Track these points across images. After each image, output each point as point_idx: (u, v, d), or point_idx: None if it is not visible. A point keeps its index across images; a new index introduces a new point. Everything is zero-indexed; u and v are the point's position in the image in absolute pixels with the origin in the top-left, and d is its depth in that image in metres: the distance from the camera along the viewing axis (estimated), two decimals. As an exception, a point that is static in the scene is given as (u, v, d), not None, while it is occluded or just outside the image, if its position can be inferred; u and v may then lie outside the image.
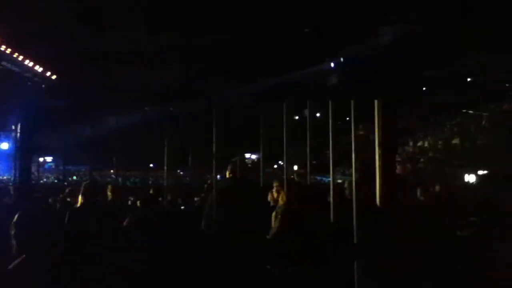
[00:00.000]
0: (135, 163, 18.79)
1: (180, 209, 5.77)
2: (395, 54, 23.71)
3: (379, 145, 3.06)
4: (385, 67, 23.03)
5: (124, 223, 4.64)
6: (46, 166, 35.88)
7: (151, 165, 19.56)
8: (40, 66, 22.11)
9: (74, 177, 22.37)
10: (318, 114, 14.28)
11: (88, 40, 24.23)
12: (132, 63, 25.82)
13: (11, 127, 23.71)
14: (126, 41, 24.89)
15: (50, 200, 7.02)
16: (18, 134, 22.93)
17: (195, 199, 6.44)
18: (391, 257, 3.04)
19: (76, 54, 24.43)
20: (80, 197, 4.32)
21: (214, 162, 3.35)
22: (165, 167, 3.56)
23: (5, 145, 21.82)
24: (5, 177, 17.59)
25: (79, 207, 4.36)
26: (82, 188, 4.37)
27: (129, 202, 6.37)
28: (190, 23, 24.59)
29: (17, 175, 16.34)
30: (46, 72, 22.80)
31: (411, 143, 18.77)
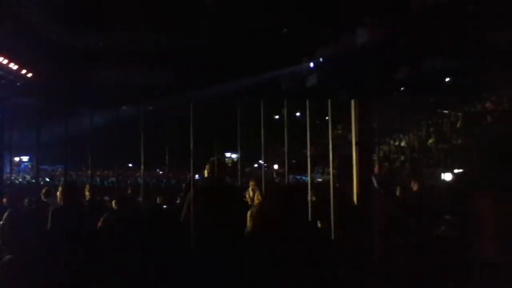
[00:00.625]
0: (113, 162, 18.53)
1: (161, 208, 5.72)
2: (371, 54, 24.03)
3: (356, 145, 3.09)
4: (362, 67, 23.32)
5: (99, 223, 4.59)
6: (22, 166, 35.09)
7: (129, 164, 19.34)
8: (16, 64, 21.65)
9: (47, 179, 21.92)
10: (297, 114, 14.35)
11: (64, 38, 23.83)
12: (109, 61, 25.50)
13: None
14: (103, 39, 24.55)
15: (26, 200, 6.88)
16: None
17: (177, 199, 6.38)
18: (368, 254, 3.08)
19: (52, 52, 23.99)
20: (59, 197, 4.28)
21: (191, 161, 3.32)
22: (142, 167, 3.51)
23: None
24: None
25: (60, 206, 4.32)
26: (60, 188, 4.34)
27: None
28: (168, 20, 24.42)
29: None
30: (21, 70, 22.33)
31: (389, 142, 19.03)
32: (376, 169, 6.35)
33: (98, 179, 18.69)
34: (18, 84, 22.98)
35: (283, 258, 2.79)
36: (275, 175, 19.75)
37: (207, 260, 3.21)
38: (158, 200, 6.78)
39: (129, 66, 25.90)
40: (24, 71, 23.16)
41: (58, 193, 4.53)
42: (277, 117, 16.25)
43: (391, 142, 19.65)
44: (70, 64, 25.58)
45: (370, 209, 3.09)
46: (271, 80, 29.26)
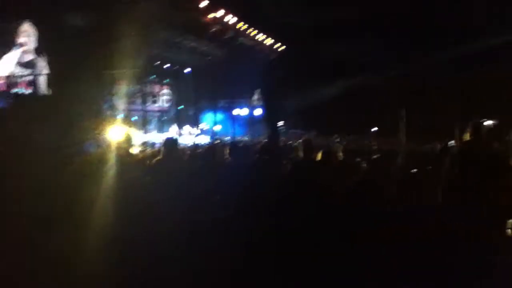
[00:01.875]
0: (356, 128, 19.07)
1: (413, 174, 5.60)
2: None
3: None
4: None
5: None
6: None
7: (373, 129, 19.49)
8: (272, 38, 24.13)
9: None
10: None
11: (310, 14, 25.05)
12: (342, 34, 25.56)
13: (247, 96, 26.84)
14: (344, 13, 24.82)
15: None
16: (254, 102, 25.84)
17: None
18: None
19: (300, 26, 25.58)
20: (301, 152, 4.85)
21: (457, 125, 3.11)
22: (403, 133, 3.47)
23: (244, 111, 24.86)
24: (243, 138, 20.12)
25: (302, 160, 4.87)
26: (301, 144, 4.90)
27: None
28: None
29: (254, 136, 18.45)
30: (275, 44, 24.79)
31: None
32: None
33: (344, 143, 19.36)
34: (273, 57, 25.67)
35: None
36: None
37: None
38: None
39: (361, 38, 25.54)
40: (278, 45, 25.71)
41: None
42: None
43: None
44: (311, 37, 26.82)
45: None
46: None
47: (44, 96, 16.00)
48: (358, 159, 5.95)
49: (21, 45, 16.24)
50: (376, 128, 19.27)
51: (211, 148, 6.06)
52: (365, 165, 5.31)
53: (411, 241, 2.70)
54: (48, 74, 16.37)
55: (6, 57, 15.68)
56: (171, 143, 4.78)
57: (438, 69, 21.68)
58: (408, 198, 3.56)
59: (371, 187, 4.56)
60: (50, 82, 16.21)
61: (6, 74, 15.50)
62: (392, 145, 11.08)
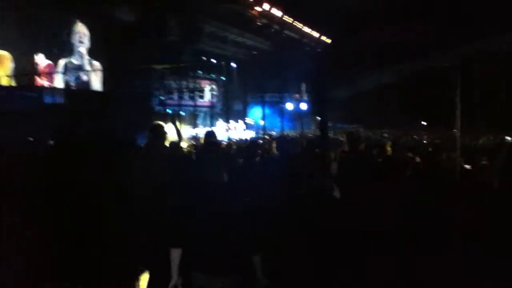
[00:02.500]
0: (402, 122, 18.52)
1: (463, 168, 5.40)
2: None
3: None
4: None
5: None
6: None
7: (423, 122, 18.90)
8: (317, 31, 23.89)
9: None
10: None
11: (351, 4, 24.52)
12: (388, 21, 24.82)
13: (294, 90, 26.72)
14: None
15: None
16: (301, 96, 25.68)
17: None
18: None
19: (343, 18, 25.15)
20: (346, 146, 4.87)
21: None
22: (458, 125, 3.33)
23: (290, 106, 24.78)
24: (290, 132, 20.08)
25: (347, 153, 4.87)
26: (346, 138, 4.99)
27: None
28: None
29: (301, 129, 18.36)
30: (321, 37, 24.49)
31: None
32: None
33: (391, 137, 18.86)
34: (319, 50, 25.43)
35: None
36: None
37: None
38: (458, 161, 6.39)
39: (408, 24, 24.67)
40: (323, 38, 25.42)
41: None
42: None
43: None
44: (356, 27, 26.25)
45: None
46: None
47: (98, 92, 16.63)
48: (410, 154, 5.80)
49: (76, 45, 16.92)
50: (424, 123, 18.69)
51: (256, 142, 6.13)
52: (417, 159, 5.18)
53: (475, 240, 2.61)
54: (101, 71, 17.00)
55: (61, 58, 16.35)
56: (210, 136, 4.91)
57: (494, 56, 20.57)
58: (461, 195, 3.44)
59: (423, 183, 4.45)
60: (104, 79, 16.83)
61: (62, 71, 16.19)
62: (444, 139, 10.64)
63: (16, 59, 13.90)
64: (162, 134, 4.16)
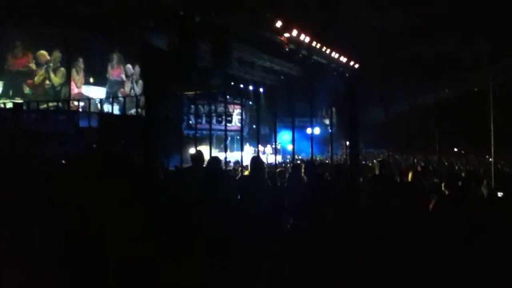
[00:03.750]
0: (433, 145, 18.13)
1: (494, 195, 5.32)
2: None
3: None
4: None
5: (430, 205, 4.70)
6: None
7: (455, 149, 18.50)
8: (345, 56, 23.99)
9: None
10: None
11: (380, 26, 24.56)
12: (424, 38, 24.66)
13: (322, 114, 26.76)
14: (412, 19, 24.06)
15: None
16: (328, 121, 25.66)
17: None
18: None
19: (371, 42, 25.23)
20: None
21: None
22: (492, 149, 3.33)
23: (317, 130, 24.78)
24: (318, 157, 20.01)
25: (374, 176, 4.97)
26: (377, 164, 5.35)
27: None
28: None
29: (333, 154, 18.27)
30: (349, 62, 24.56)
31: None
32: None
33: (421, 162, 18.50)
34: (347, 74, 25.49)
35: None
36: None
37: None
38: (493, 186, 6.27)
39: (444, 40, 24.45)
40: (352, 63, 25.48)
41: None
42: None
43: None
44: (386, 49, 26.24)
45: None
46: None
47: (131, 116, 17.12)
48: (436, 180, 5.76)
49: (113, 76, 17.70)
50: (455, 149, 18.29)
51: (285, 167, 6.22)
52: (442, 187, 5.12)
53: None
54: (134, 96, 17.54)
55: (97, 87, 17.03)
56: (257, 161, 5.13)
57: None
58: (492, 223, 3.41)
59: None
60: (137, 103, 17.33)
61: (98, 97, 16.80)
62: (475, 164, 10.45)
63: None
64: (202, 160, 4.96)
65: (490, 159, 5.53)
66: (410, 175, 5.44)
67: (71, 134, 9.40)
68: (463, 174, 5.51)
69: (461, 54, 23.75)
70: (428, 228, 3.81)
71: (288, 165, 7.00)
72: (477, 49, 22.97)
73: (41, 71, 15.49)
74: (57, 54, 15.72)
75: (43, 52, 15.53)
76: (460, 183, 5.30)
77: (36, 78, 15.43)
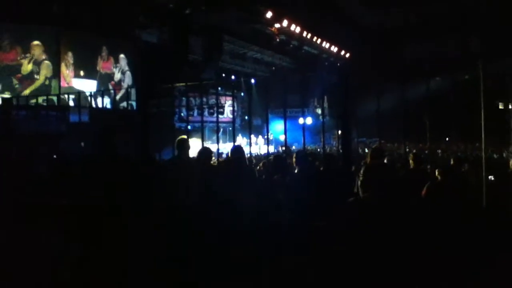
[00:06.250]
0: (425, 136, 18.25)
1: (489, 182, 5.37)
2: None
3: None
4: None
5: (423, 191, 4.76)
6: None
7: (446, 138, 18.67)
8: (336, 46, 23.96)
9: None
10: None
11: (373, 18, 24.61)
12: (417, 34, 24.81)
13: (313, 105, 26.80)
14: (405, 15, 24.14)
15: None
16: (320, 110, 25.73)
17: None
18: None
19: (364, 33, 25.24)
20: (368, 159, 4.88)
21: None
22: (482, 141, 3.37)
23: (309, 120, 24.81)
24: (309, 147, 20.06)
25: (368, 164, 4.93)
26: (370, 151, 5.20)
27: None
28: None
29: (324, 144, 18.32)
30: (340, 51, 24.55)
31: None
32: None
33: (413, 151, 18.60)
34: (338, 64, 25.50)
35: None
36: None
37: None
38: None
39: (433, 38, 24.61)
40: (342, 52, 25.48)
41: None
42: None
43: None
44: (380, 42, 26.32)
45: None
46: None
47: (123, 110, 17.08)
48: (428, 166, 5.83)
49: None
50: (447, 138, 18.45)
51: (278, 157, 6.23)
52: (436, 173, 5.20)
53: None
54: (126, 89, 17.50)
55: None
56: (238, 150, 5.11)
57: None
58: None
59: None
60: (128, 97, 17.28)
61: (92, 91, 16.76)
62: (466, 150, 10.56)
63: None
64: (187, 147, 4.79)
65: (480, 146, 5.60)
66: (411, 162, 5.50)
67: (63, 132, 9.36)
68: (452, 161, 5.58)
69: (452, 45, 23.92)
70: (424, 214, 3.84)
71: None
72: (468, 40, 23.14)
73: (30, 65, 15.37)
74: (45, 48, 15.61)
75: (32, 45, 15.41)
76: (453, 169, 5.39)
77: (24, 72, 15.33)
